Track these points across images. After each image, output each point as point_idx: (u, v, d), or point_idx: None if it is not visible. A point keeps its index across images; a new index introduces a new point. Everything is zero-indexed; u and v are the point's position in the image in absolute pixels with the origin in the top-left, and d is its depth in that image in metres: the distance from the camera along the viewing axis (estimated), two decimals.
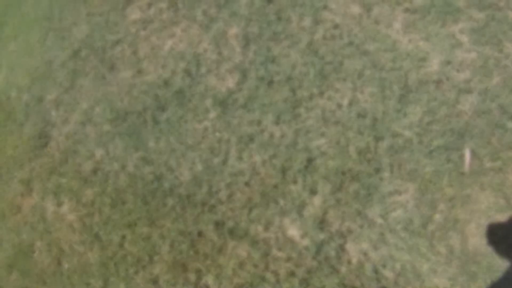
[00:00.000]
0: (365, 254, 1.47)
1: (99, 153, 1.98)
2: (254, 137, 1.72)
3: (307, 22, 1.84)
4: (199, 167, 1.78)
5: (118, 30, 2.19)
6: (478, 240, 1.41)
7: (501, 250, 1.39)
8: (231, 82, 1.85)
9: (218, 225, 1.65)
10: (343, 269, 1.48)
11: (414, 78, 1.61)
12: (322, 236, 1.52)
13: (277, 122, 1.72)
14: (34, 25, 2.50)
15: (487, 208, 1.43)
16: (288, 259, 1.54)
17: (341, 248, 1.49)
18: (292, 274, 1.52)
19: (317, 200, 1.56)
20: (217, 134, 1.79)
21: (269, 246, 1.57)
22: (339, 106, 1.66)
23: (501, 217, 1.41)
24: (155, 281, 1.68)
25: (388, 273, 1.44)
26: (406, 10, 1.73)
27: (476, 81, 1.56)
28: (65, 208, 1.95)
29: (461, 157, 1.49)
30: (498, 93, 1.53)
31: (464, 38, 1.62)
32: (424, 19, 1.69)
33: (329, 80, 1.71)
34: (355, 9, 1.79)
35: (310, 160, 1.61)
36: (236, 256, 1.59)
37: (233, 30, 1.94)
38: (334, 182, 1.56)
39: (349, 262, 1.48)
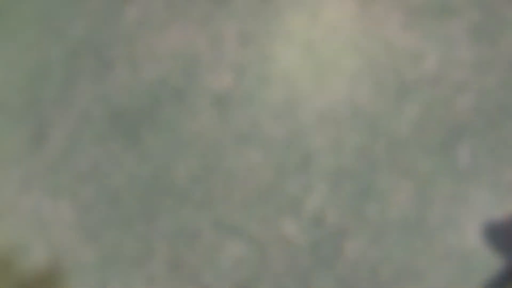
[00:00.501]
0: (362, 252, 1.47)
1: (96, 151, 1.98)
2: (251, 136, 1.73)
3: (304, 20, 1.84)
4: (196, 165, 1.78)
5: (115, 29, 2.19)
6: (475, 238, 1.41)
7: (498, 248, 1.39)
8: (228, 80, 1.86)
9: (215, 223, 1.65)
10: (340, 267, 1.48)
11: (411, 77, 1.61)
12: (318, 234, 1.52)
13: (273, 120, 1.72)
14: (31, 24, 2.50)
15: (484, 206, 1.43)
16: (285, 257, 1.53)
17: (338, 246, 1.49)
18: (288, 272, 1.52)
19: (313, 198, 1.56)
20: (214, 132, 1.79)
21: (266, 244, 1.57)
22: (336, 104, 1.66)
23: (498, 215, 1.41)
24: (152, 279, 1.68)
25: (385, 272, 1.44)
26: (403, 8, 1.73)
27: (473, 79, 1.56)
28: (62, 207, 1.95)
29: (459, 155, 1.49)
30: (495, 91, 1.53)
31: (462, 37, 1.63)
32: (421, 17, 1.69)
33: (326, 78, 1.71)
34: (353, 8, 1.79)
35: (306, 158, 1.62)
36: (233, 254, 1.59)
37: (230, 29, 1.94)
38: (330, 180, 1.56)
39: (346, 260, 1.48)
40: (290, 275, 1.51)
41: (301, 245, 1.53)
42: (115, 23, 2.21)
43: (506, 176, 1.43)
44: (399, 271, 1.43)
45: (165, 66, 2.00)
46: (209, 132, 1.80)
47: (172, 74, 1.97)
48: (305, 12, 1.84)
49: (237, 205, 1.65)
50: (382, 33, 1.71)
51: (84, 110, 2.08)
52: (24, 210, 2.01)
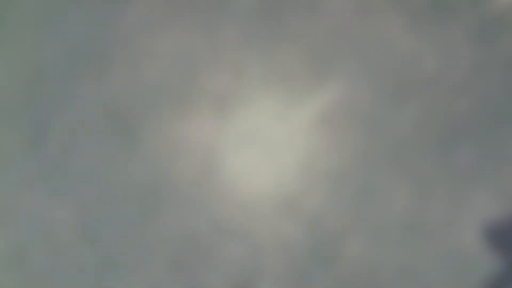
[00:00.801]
0: (361, 252, 1.47)
1: (95, 153, 1.97)
2: (250, 137, 1.73)
3: (304, 22, 1.84)
4: (195, 167, 1.77)
5: (115, 29, 2.19)
6: (474, 239, 1.41)
7: (497, 249, 1.39)
8: (227, 82, 1.86)
9: (215, 223, 1.65)
10: (339, 267, 1.48)
11: (410, 77, 1.62)
12: (317, 234, 1.52)
13: (273, 121, 1.72)
14: (31, 24, 2.49)
15: (484, 206, 1.43)
16: (284, 257, 1.53)
17: (338, 246, 1.49)
18: (287, 272, 1.52)
19: (312, 198, 1.56)
20: (214, 133, 1.79)
21: (265, 244, 1.57)
22: (335, 105, 1.66)
23: (498, 216, 1.42)
24: (151, 280, 1.67)
25: (384, 272, 1.44)
26: (401, 10, 1.73)
27: (472, 80, 1.56)
28: (61, 208, 1.94)
29: (458, 155, 1.49)
30: (495, 92, 1.53)
31: (461, 37, 1.63)
32: (421, 18, 1.69)
33: (325, 79, 1.71)
34: (352, 9, 1.80)
35: (305, 159, 1.62)
36: (233, 254, 1.59)
37: (230, 30, 1.95)
38: (329, 180, 1.56)
39: (345, 260, 1.48)
40: (290, 275, 1.51)
41: (301, 245, 1.53)
42: (115, 23, 2.20)
43: (506, 176, 1.44)
44: (398, 271, 1.43)
45: (164, 67, 2.00)
46: (208, 132, 1.80)
47: (171, 75, 1.97)
48: (306, 14, 1.85)
49: (237, 206, 1.65)
50: (381, 33, 1.71)
51: (84, 110, 2.08)
52: (23, 211, 2.00)
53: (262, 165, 1.67)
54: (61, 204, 1.93)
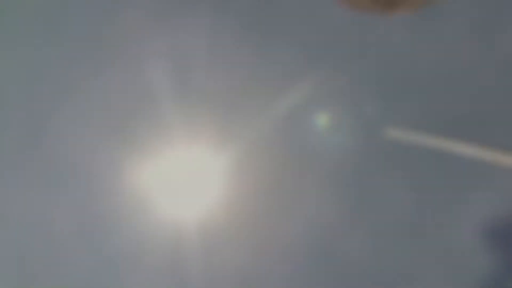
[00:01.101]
0: (358, 252, 1.47)
1: (96, 154, 1.98)
2: (250, 137, 1.73)
3: (303, 21, 1.84)
4: (194, 164, 1.78)
5: (114, 30, 2.19)
6: (472, 239, 1.41)
7: (496, 249, 1.39)
8: (226, 81, 1.86)
9: (215, 223, 1.65)
10: (337, 268, 1.48)
11: (408, 78, 1.61)
12: (316, 234, 1.52)
13: (272, 121, 1.72)
14: (31, 24, 2.50)
15: (482, 208, 1.43)
16: (283, 256, 1.54)
17: (335, 247, 1.50)
18: (287, 271, 1.52)
19: (311, 198, 1.56)
20: (214, 130, 1.79)
21: (265, 244, 1.57)
22: (333, 106, 1.66)
23: (496, 217, 1.42)
24: (150, 280, 1.68)
25: (383, 272, 1.44)
26: (401, 8, 1.73)
27: (471, 79, 1.56)
28: (61, 208, 1.95)
29: (457, 155, 1.49)
30: (493, 92, 1.53)
31: (459, 38, 1.63)
32: (419, 18, 1.69)
33: (324, 79, 1.71)
34: (350, 11, 1.79)
35: (305, 159, 1.62)
36: (232, 253, 1.59)
37: (229, 29, 1.94)
38: (328, 180, 1.56)
39: (342, 261, 1.48)
40: (289, 276, 1.52)
41: (299, 245, 1.53)
42: (114, 24, 2.20)
43: (504, 177, 1.43)
44: (397, 272, 1.43)
45: (163, 67, 2.00)
46: (208, 133, 1.80)
47: (171, 74, 1.97)
48: (306, 13, 1.84)
49: (236, 205, 1.65)
50: (379, 35, 1.71)
51: (83, 110, 2.08)
52: (22, 211, 2.01)
53: (260, 164, 1.67)
54: (61, 204, 1.93)
